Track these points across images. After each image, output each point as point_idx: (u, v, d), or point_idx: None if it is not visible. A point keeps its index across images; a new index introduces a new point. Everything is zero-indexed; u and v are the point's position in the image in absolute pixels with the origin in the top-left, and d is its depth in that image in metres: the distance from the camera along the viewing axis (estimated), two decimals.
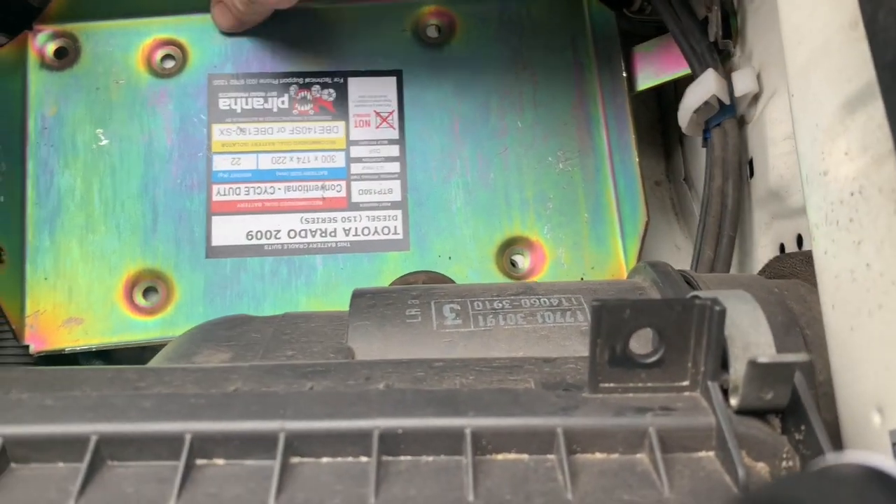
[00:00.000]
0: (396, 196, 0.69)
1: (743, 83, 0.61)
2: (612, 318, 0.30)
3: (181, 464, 0.28)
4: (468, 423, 0.30)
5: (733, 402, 0.31)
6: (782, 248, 0.58)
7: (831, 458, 0.25)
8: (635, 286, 0.45)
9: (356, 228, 0.68)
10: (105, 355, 0.67)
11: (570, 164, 0.70)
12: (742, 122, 0.64)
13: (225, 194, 0.68)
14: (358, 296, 0.44)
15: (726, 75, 0.62)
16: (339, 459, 0.29)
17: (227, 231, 0.67)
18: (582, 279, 0.67)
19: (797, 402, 0.30)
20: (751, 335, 0.31)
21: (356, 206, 0.68)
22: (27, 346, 0.64)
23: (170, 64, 0.70)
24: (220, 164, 0.68)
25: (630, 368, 0.31)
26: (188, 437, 0.29)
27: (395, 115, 0.71)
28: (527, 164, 0.70)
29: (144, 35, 0.70)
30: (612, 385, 0.31)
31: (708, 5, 0.65)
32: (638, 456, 0.30)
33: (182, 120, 0.69)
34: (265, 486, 0.28)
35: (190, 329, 0.47)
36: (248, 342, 0.42)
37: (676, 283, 0.43)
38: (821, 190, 0.37)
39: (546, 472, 0.29)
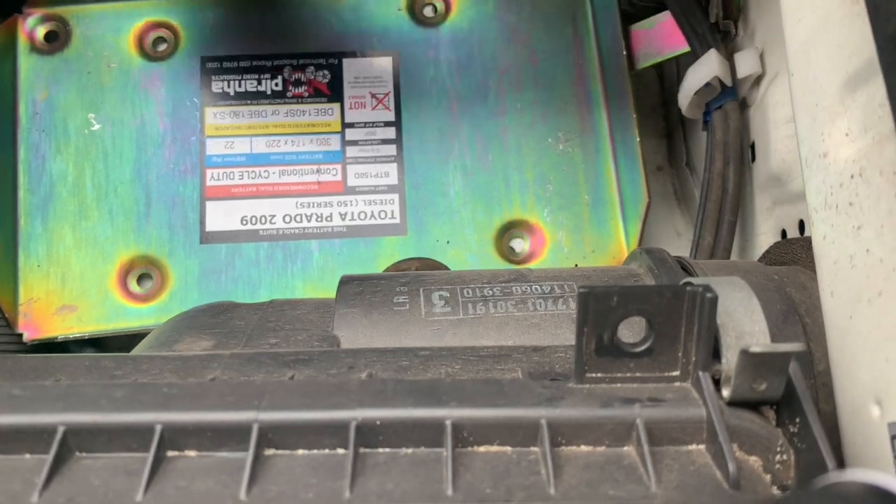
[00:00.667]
0: (393, 179, 0.68)
1: (745, 64, 0.59)
2: (599, 305, 0.29)
3: (150, 455, 0.27)
4: (449, 414, 0.29)
5: (725, 393, 0.29)
6: (784, 233, 0.57)
7: (834, 475, 0.24)
8: (630, 273, 0.44)
9: (352, 213, 0.67)
10: (98, 343, 0.67)
11: (570, 144, 0.69)
12: (744, 105, 0.62)
13: (219, 179, 0.67)
14: (345, 282, 0.43)
15: (728, 56, 0.61)
16: (315, 452, 0.28)
17: (221, 216, 0.66)
18: (576, 266, 0.66)
19: (792, 394, 0.29)
20: (744, 323, 0.30)
21: (352, 190, 0.67)
22: (21, 335, 0.63)
23: (162, 47, 0.69)
24: (214, 147, 0.67)
25: (618, 358, 0.30)
26: (158, 428, 0.28)
27: (391, 96, 0.69)
28: (526, 146, 0.69)
29: (136, 17, 0.69)
30: (599, 375, 0.30)
31: None
32: (625, 449, 0.29)
33: (175, 103, 0.68)
34: (237, 479, 0.27)
35: (175, 316, 0.46)
36: (232, 329, 0.41)
37: (672, 270, 0.42)
38: (820, 173, 0.36)
39: (529, 465, 0.28)
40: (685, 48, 0.66)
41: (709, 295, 0.29)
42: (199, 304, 0.49)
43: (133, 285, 0.65)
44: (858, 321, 0.33)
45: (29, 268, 0.64)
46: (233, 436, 0.28)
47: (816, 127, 0.36)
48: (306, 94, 0.69)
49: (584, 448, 0.29)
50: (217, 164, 0.67)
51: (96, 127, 0.67)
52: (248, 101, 0.68)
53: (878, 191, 0.32)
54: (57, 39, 0.68)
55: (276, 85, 0.69)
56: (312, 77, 0.69)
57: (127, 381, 0.32)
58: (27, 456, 0.28)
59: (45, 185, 0.66)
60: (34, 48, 0.68)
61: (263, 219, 0.66)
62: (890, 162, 0.31)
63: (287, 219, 0.67)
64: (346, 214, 0.67)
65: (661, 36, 0.70)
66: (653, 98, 0.86)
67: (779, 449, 0.29)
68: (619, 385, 0.30)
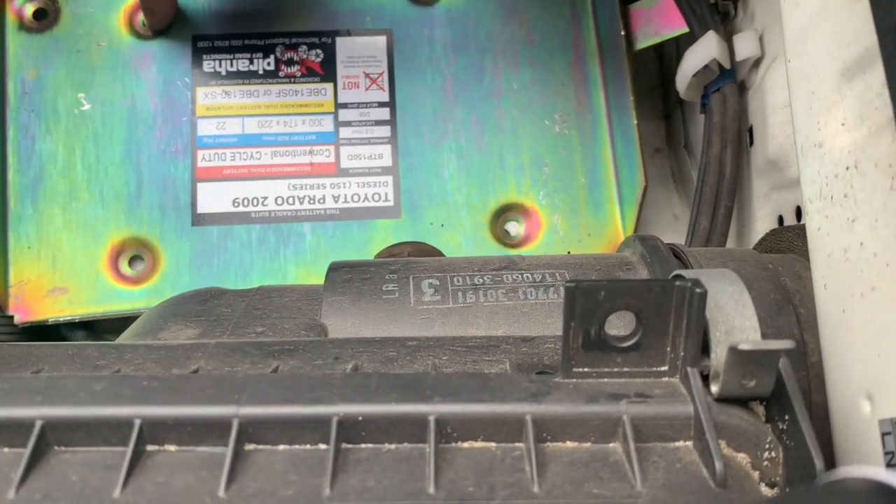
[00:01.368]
0: (387, 161, 0.67)
1: (744, 47, 0.58)
2: (586, 299, 0.28)
3: (129, 450, 0.27)
4: (432, 409, 0.28)
5: (714, 389, 0.29)
6: (781, 220, 0.56)
7: (838, 472, 0.24)
8: (623, 261, 0.43)
9: (345, 195, 0.66)
10: (90, 326, 0.66)
11: (566, 126, 0.68)
12: (742, 88, 0.61)
13: (210, 160, 0.66)
14: (334, 269, 0.43)
15: (727, 38, 0.59)
16: (297, 447, 0.28)
17: (212, 198, 0.66)
18: (569, 253, 0.65)
19: (782, 391, 0.28)
20: (734, 318, 0.29)
21: (345, 172, 0.67)
22: (12, 317, 0.63)
23: None
24: (205, 128, 0.67)
25: (605, 352, 0.29)
26: (138, 423, 0.27)
27: (385, 76, 0.68)
28: (522, 127, 0.68)
29: None
30: (585, 370, 0.30)
31: None
32: (611, 445, 0.28)
33: (165, 83, 0.67)
34: (216, 475, 0.26)
35: (162, 301, 0.45)
36: (219, 317, 0.40)
37: (665, 259, 0.41)
38: (815, 163, 0.35)
39: (513, 461, 0.28)
40: (685, 28, 0.65)
41: (698, 290, 0.28)
42: (189, 289, 0.48)
43: (124, 267, 0.64)
44: (851, 315, 0.33)
45: (19, 250, 0.64)
46: (213, 430, 0.28)
47: (812, 116, 0.35)
48: (299, 73, 0.68)
49: (569, 444, 0.28)
50: (208, 144, 0.66)
51: (86, 107, 0.66)
52: (240, 81, 0.67)
53: (873, 183, 0.31)
54: (46, 17, 0.67)
55: (269, 64, 0.68)
56: (305, 56, 0.68)
57: (108, 372, 0.31)
58: (5, 450, 0.27)
59: (35, 166, 0.65)
60: (23, 26, 0.67)
61: (255, 201, 0.66)
62: (885, 154, 0.30)
63: (279, 201, 0.66)
64: (339, 197, 0.66)
65: (660, 16, 0.69)
66: (651, 79, 0.84)
67: (767, 446, 0.28)
68: (606, 380, 0.30)
